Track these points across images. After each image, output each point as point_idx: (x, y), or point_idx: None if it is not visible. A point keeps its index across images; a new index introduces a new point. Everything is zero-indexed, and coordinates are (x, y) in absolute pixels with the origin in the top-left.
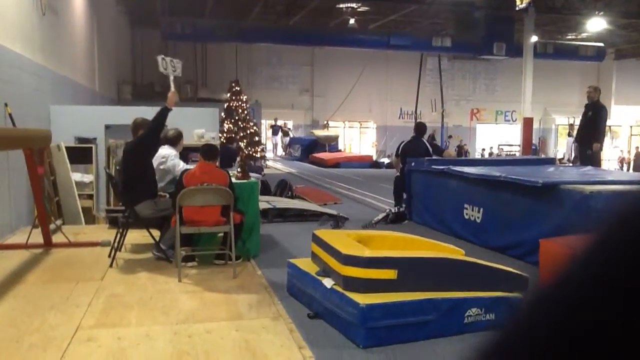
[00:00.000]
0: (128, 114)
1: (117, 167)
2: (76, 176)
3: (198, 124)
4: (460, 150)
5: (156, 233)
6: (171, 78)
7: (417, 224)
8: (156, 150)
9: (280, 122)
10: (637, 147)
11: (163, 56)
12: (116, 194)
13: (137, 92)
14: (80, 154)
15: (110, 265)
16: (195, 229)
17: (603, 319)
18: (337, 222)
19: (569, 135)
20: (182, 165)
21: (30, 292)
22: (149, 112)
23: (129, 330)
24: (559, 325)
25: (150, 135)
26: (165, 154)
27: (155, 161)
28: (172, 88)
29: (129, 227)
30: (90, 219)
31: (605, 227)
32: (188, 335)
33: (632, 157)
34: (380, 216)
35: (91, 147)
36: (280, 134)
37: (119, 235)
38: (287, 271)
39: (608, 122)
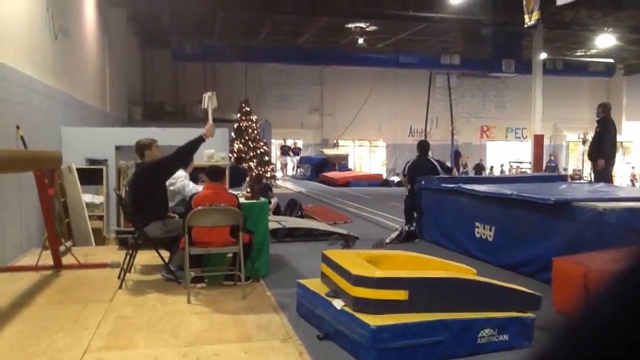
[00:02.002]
0: (139, 135)
1: (127, 188)
2: (87, 197)
3: (208, 145)
4: (479, 167)
5: (165, 254)
6: (210, 111)
7: (428, 243)
8: (173, 173)
9: (289, 142)
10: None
11: (210, 93)
12: (126, 215)
13: (147, 113)
14: (91, 175)
15: (120, 287)
16: (205, 250)
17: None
18: (347, 241)
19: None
20: (191, 186)
21: (39, 314)
22: (159, 133)
23: (138, 353)
24: (600, 347)
25: (178, 158)
26: (176, 175)
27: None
28: (210, 121)
29: (138, 248)
30: (100, 240)
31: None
32: (197, 358)
33: None
34: (394, 235)
35: (102, 169)
36: (290, 153)
37: (128, 257)
38: (296, 292)
39: (619, 138)
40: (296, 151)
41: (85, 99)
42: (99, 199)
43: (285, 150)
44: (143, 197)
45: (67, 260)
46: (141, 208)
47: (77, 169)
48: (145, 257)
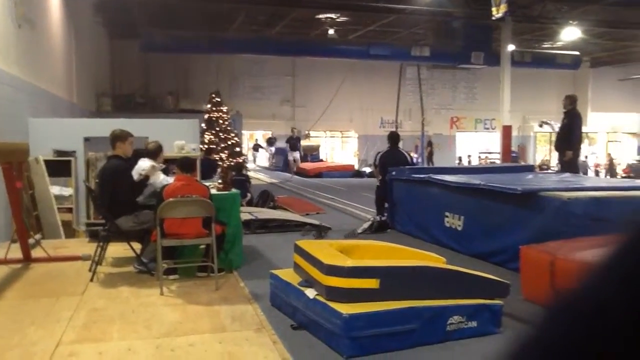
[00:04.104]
0: (108, 127)
1: (97, 181)
2: (55, 189)
3: (178, 136)
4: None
5: (137, 246)
6: None
7: (400, 233)
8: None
9: (262, 133)
10: (609, 154)
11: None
12: (96, 207)
13: (116, 104)
14: (59, 167)
15: (91, 280)
16: (177, 242)
17: (628, 324)
18: (320, 232)
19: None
20: (162, 178)
21: (9, 308)
22: (128, 124)
23: (111, 345)
24: (584, 332)
25: (134, 193)
26: (146, 166)
27: (135, 174)
28: None
29: (109, 241)
30: (70, 232)
31: (625, 236)
32: (171, 349)
33: (607, 162)
34: (366, 225)
35: (70, 160)
36: (265, 144)
37: (99, 249)
38: (270, 282)
39: (585, 129)
40: (271, 142)
41: (52, 89)
42: (67, 191)
43: (256, 147)
44: (114, 189)
45: (36, 253)
46: (112, 200)
47: (45, 161)
48: (117, 249)
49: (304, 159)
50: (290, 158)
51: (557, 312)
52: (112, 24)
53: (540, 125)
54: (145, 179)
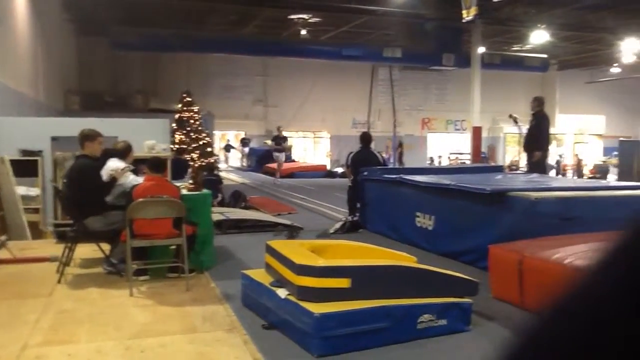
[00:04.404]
0: (76, 126)
1: (65, 181)
2: (21, 190)
3: (149, 135)
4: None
5: (106, 247)
6: None
7: (371, 233)
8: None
9: (234, 133)
10: (576, 155)
11: None
12: (64, 208)
13: (85, 103)
14: (26, 167)
15: (59, 281)
16: (147, 242)
17: (627, 324)
18: (292, 232)
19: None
20: (132, 178)
21: None
22: (98, 124)
23: (79, 347)
24: (583, 332)
25: (103, 192)
26: (115, 166)
27: (104, 174)
28: None
29: (77, 242)
30: (37, 233)
31: (623, 236)
32: (141, 350)
33: (575, 163)
34: (338, 225)
35: (37, 160)
36: (238, 145)
37: (67, 250)
38: (241, 282)
39: (553, 131)
40: (245, 142)
41: (18, 87)
42: (34, 192)
43: (228, 148)
44: (82, 189)
45: (2, 254)
46: (80, 200)
47: (11, 161)
48: (85, 250)
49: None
50: (276, 159)
51: (554, 313)
52: (80, 21)
53: (510, 116)
54: (113, 179)
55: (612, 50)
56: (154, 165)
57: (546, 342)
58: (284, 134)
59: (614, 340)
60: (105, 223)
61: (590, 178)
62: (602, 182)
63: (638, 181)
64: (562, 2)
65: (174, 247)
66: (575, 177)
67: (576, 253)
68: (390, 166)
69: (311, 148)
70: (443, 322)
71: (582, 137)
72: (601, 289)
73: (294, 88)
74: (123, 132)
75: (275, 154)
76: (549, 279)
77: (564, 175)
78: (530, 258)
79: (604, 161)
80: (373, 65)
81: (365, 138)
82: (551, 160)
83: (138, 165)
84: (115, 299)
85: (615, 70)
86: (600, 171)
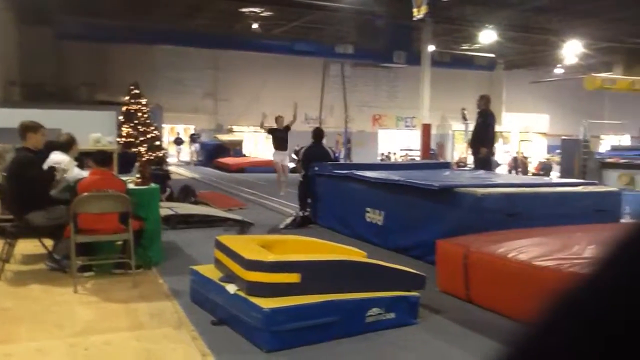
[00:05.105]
0: (17, 117)
1: (4, 174)
2: None
3: (94, 128)
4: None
5: (49, 243)
6: None
7: (322, 228)
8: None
9: (183, 127)
10: (517, 153)
11: None
12: (4, 202)
13: (27, 94)
14: None
15: None
16: (92, 238)
17: (627, 325)
18: (242, 227)
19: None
20: (76, 172)
21: None
22: (40, 115)
23: (19, 346)
24: (589, 326)
25: (44, 185)
26: (58, 160)
27: (46, 167)
28: None
29: (18, 237)
30: None
31: (621, 236)
32: (85, 348)
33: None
34: (289, 220)
35: None
36: (188, 140)
37: (7, 246)
38: (190, 278)
39: (499, 128)
40: (194, 137)
41: None
42: None
43: (178, 141)
44: (23, 183)
45: None
46: (21, 194)
47: None
48: (27, 246)
49: (225, 154)
50: (278, 160)
51: (554, 315)
52: (21, 9)
53: (462, 110)
54: (52, 170)
55: (556, 52)
56: (100, 158)
57: (545, 345)
58: (235, 128)
59: (614, 343)
60: (49, 218)
61: (534, 175)
62: (545, 179)
63: (579, 178)
64: (510, 4)
65: (120, 242)
66: (520, 174)
67: (519, 247)
68: (341, 162)
69: (263, 143)
70: (391, 315)
71: (527, 135)
72: (601, 292)
73: (245, 82)
74: (67, 125)
75: (278, 152)
76: (493, 273)
77: (524, 170)
78: (475, 252)
79: (547, 159)
80: (325, 61)
81: (318, 133)
82: (506, 157)
83: (84, 159)
84: (59, 297)
85: (558, 71)
86: (544, 168)
